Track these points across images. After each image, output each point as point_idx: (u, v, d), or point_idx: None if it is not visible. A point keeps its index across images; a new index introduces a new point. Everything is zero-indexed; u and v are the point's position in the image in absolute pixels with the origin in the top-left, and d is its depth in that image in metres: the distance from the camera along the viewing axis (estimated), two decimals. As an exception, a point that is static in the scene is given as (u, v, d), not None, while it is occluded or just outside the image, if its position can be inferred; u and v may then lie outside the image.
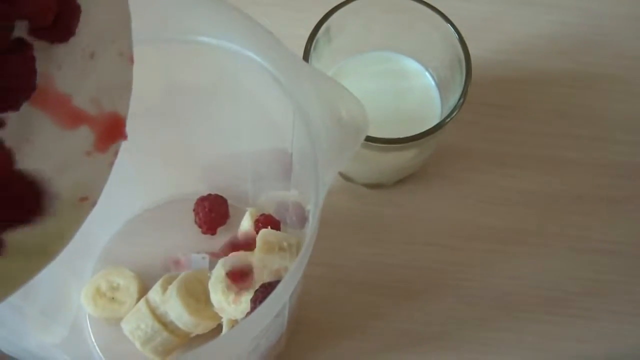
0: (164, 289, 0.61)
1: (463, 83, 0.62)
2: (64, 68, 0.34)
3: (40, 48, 0.32)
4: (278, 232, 0.60)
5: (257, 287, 0.56)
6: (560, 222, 0.72)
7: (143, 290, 0.63)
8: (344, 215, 0.71)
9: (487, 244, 0.71)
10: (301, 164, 0.50)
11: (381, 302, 0.69)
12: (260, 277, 0.56)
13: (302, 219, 0.55)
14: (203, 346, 0.39)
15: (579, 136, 0.75)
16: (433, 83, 0.69)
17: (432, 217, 0.72)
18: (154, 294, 0.61)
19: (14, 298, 0.32)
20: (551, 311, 0.68)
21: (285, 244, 0.58)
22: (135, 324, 0.60)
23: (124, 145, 0.36)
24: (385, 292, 0.69)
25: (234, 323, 0.59)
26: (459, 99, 0.61)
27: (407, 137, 0.60)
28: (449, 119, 0.61)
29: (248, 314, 0.56)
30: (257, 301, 0.54)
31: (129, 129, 0.35)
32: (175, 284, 0.60)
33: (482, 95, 0.73)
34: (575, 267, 0.70)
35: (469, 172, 0.74)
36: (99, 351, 0.64)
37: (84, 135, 0.34)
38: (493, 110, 0.76)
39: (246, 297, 0.57)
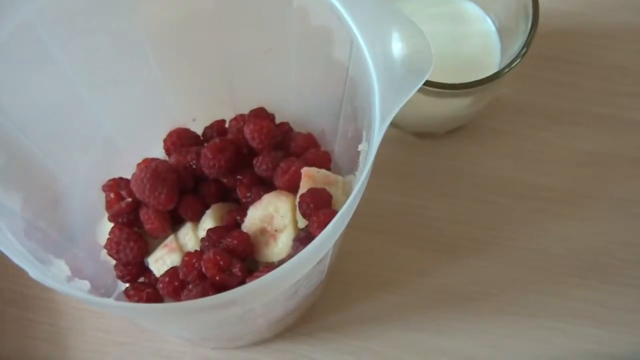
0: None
1: (528, 31, 0.59)
2: None
3: None
4: (321, 169, 0.58)
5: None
6: (616, 184, 0.70)
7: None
8: (389, 164, 0.69)
9: (536, 203, 0.69)
10: (354, 95, 0.49)
11: (421, 256, 0.67)
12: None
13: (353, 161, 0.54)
14: (242, 286, 0.39)
15: (640, 95, 0.73)
16: (494, 29, 0.67)
17: (482, 172, 0.70)
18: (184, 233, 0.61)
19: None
20: (601, 278, 0.66)
21: (332, 178, 0.56)
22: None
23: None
24: (427, 246, 0.67)
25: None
26: (522, 48, 0.59)
27: (463, 84, 0.58)
28: (508, 69, 0.59)
29: (290, 255, 0.55)
30: (300, 241, 0.53)
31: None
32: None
33: (542, 46, 0.71)
34: (630, 234, 0.68)
35: (522, 128, 0.72)
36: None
37: None
38: (552, 64, 0.74)
39: (283, 239, 0.56)
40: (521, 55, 0.59)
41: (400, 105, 0.39)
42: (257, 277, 0.52)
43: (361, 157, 0.48)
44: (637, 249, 0.67)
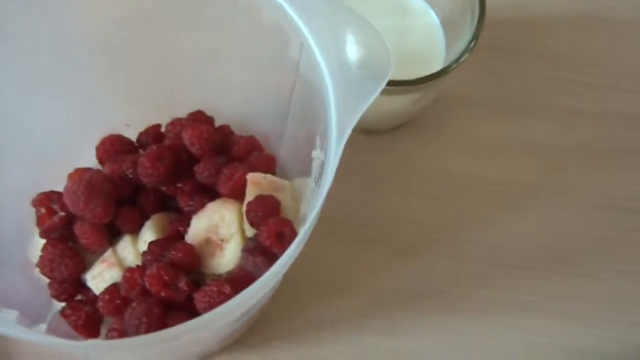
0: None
1: (475, 24, 0.58)
2: None
3: None
4: (267, 175, 0.56)
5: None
6: (565, 175, 0.69)
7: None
8: (335, 163, 0.67)
9: (486, 196, 0.69)
10: (306, 96, 0.46)
11: (373, 257, 0.66)
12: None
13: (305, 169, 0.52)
14: (201, 317, 0.37)
15: (588, 85, 0.73)
16: (438, 22, 0.65)
17: (430, 167, 0.69)
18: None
19: None
20: (555, 269, 0.66)
21: (279, 184, 0.54)
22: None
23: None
24: (377, 246, 0.66)
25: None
26: (470, 42, 0.58)
27: (412, 80, 0.57)
28: (456, 64, 0.58)
29: (239, 266, 0.52)
30: (250, 252, 0.51)
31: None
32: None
33: (487, 37, 0.69)
34: (580, 224, 0.68)
35: (469, 120, 0.71)
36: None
37: None
38: (498, 54, 0.73)
39: (230, 248, 0.54)
40: (469, 49, 0.58)
41: (360, 114, 0.37)
42: (206, 291, 0.50)
43: (314, 164, 0.46)
44: (587, 240, 0.67)
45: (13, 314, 0.49)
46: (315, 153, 0.46)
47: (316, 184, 0.45)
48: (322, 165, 0.41)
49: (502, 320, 0.64)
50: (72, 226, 0.57)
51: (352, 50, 0.38)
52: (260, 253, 0.51)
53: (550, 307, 0.64)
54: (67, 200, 0.55)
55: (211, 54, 0.54)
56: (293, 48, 0.44)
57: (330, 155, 0.37)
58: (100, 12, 0.54)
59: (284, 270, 0.38)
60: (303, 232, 0.37)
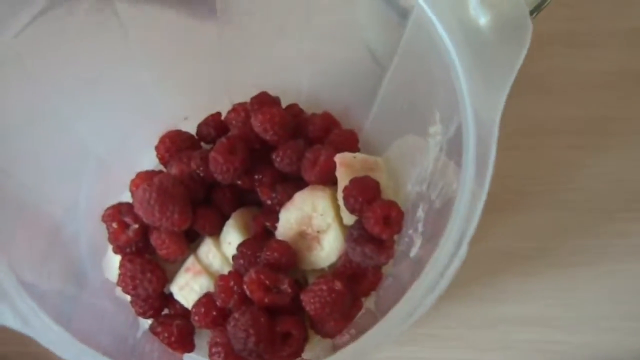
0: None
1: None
2: None
3: None
4: (357, 153, 0.51)
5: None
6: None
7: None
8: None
9: (567, 138, 0.64)
10: (413, 70, 0.42)
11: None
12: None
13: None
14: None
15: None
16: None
17: (504, 118, 0.64)
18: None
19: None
20: (658, 207, 0.61)
21: (371, 161, 0.50)
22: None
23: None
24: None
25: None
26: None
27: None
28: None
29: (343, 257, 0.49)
30: (356, 241, 0.47)
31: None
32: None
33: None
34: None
35: (536, 58, 0.65)
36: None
37: None
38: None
39: (329, 240, 0.50)
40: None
41: (508, 87, 0.32)
42: (314, 291, 0.47)
43: (432, 140, 0.42)
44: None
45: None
46: (434, 128, 0.41)
47: (435, 165, 0.41)
48: (450, 142, 0.36)
49: (614, 269, 0.60)
50: (147, 237, 0.53)
51: (477, 14, 0.33)
52: (368, 241, 0.47)
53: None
54: (139, 211, 0.50)
55: (280, 32, 0.49)
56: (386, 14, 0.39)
57: (470, 134, 0.33)
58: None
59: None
60: (469, 228, 0.32)
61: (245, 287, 0.48)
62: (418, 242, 0.42)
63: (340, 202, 0.48)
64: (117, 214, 0.53)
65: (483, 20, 0.33)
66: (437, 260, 0.33)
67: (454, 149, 0.35)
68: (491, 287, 0.60)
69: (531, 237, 0.61)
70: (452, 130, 0.37)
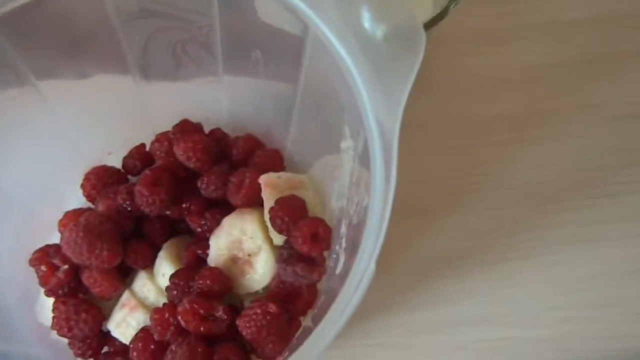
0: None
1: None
2: None
3: None
4: (281, 173, 0.51)
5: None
6: (575, 92, 0.65)
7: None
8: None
9: (499, 135, 0.65)
10: (317, 87, 0.42)
11: (397, 229, 0.61)
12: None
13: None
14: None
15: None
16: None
17: (435, 118, 0.65)
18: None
19: None
20: (589, 194, 0.62)
21: (296, 180, 0.50)
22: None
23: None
24: (404, 215, 0.61)
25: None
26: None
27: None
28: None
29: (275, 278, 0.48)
30: (286, 262, 0.47)
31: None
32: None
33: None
34: (604, 139, 0.64)
35: (460, 58, 0.66)
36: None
37: None
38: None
39: (261, 262, 0.49)
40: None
41: (406, 95, 0.33)
42: (249, 315, 0.46)
43: (346, 156, 0.42)
44: (619, 153, 0.63)
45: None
46: (346, 144, 0.41)
47: (351, 180, 0.41)
48: (360, 156, 0.37)
49: (550, 260, 0.61)
50: (79, 277, 0.52)
51: (372, 27, 0.33)
52: (299, 261, 0.47)
53: (600, 234, 0.61)
54: (67, 251, 0.50)
55: (181, 56, 0.49)
56: (292, 31, 0.39)
57: (375, 145, 0.33)
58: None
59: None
60: (377, 244, 0.32)
61: (179, 317, 0.48)
62: (342, 258, 0.42)
63: (268, 223, 0.48)
64: (45, 256, 0.52)
65: (378, 33, 0.33)
66: (354, 274, 0.33)
67: (364, 162, 0.36)
68: (431, 292, 0.60)
69: (465, 237, 0.61)
70: (360, 145, 0.37)
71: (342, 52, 0.34)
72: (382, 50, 0.33)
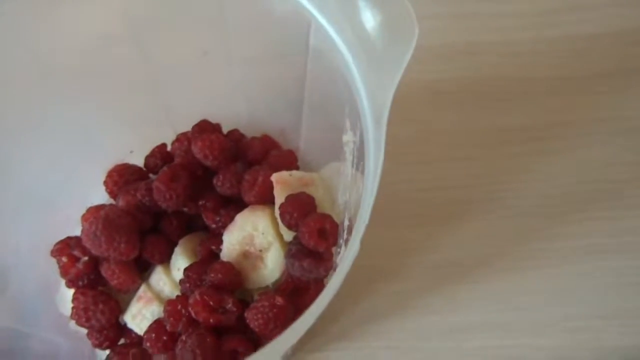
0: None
1: None
2: None
3: None
4: (292, 171, 0.53)
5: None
6: (590, 105, 0.66)
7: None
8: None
9: (514, 146, 0.66)
10: (321, 85, 0.44)
11: (414, 235, 0.63)
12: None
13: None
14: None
15: (591, 6, 0.69)
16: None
17: (450, 129, 0.66)
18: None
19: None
20: (602, 206, 0.63)
21: (307, 178, 0.52)
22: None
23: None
24: (417, 223, 0.63)
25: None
26: None
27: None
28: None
29: (285, 274, 0.50)
30: (294, 256, 0.48)
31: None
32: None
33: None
34: (618, 152, 0.65)
35: (478, 69, 0.68)
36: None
37: None
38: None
39: (271, 258, 0.51)
40: None
41: (396, 84, 0.34)
42: (257, 308, 0.48)
43: (348, 149, 0.44)
44: (634, 166, 0.64)
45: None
46: (347, 137, 0.43)
47: (356, 169, 0.42)
48: (359, 149, 0.38)
49: (564, 271, 0.61)
50: (97, 269, 0.54)
51: (368, 18, 0.35)
52: (306, 255, 0.48)
53: (615, 246, 0.62)
54: (87, 243, 0.52)
55: (203, 57, 0.51)
56: (298, 32, 0.41)
57: (370, 135, 0.35)
58: (73, 42, 0.51)
59: (349, 265, 0.35)
60: (361, 223, 0.34)
61: (190, 309, 0.49)
62: (343, 250, 0.43)
63: (279, 219, 0.50)
64: (66, 247, 0.55)
65: (373, 23, 0.35)
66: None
67: (361, 154, 0.37)
68: (442, 297, 0.61)
69: (477, 245, 0.62)
70: (359, 135, 0.38)
71: (340, 42, 0.36)
72: (377, 40, 0.35)
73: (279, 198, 0.50)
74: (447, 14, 0.71)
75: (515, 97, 0.67)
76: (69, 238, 0.55)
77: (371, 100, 0.35)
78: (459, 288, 0.61)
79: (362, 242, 0.36)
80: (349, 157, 0.44)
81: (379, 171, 0.34)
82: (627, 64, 0.67)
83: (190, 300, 0.49)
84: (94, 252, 0.52)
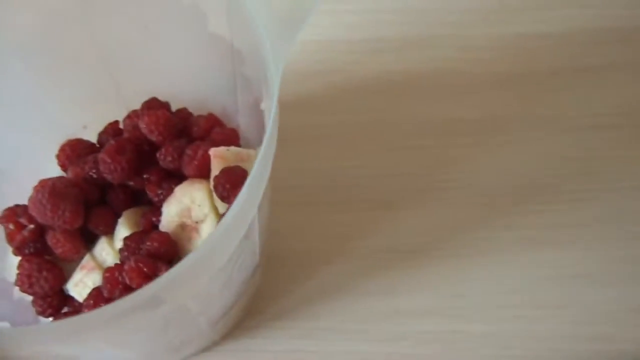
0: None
1: None
2: None
3: None
4: (231, 147, 0.55)
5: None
6: (538, 102, 0.69)
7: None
8: (300, 130, 0.67)
9: (462, 138, 0.68)
10: (244, 61, 0.46)
11: (358, 219, 0.65)
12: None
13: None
14: (163, 276, 0.35)
15: (545, 6, 0.72)
16: None
17: (400, 119, 0.68)
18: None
19: None
20: (545, 200, 0.65)
21: (244, 154, 0.53)
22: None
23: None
24: (362, 207, 0.65)
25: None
26: None
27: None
28: None
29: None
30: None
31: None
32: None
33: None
34: (562, 148, 0.67)
35: (428, 63, 0.70)
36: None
37: None
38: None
39: (206, 229, 0.53)
40: None
41: (295, 36, 0.36)
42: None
43: (266, 117, 0.45)
44: (577, 162, 0.66)
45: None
46: (264, 104, 0.45)
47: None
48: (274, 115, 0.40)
49: (503, 260, 0.63)
50: (44, 238, 0.56)
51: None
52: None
53: (553, 238, 0.64)
54: (33, 211, 0.54)
55: (146, 36, 0.54)
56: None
57: (273, 85, 0.37)
58: (19, 20, 0.53)
59: (249, 209, 0.37)
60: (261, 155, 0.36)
61: (125, 275, 0.51)
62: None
63: (213, 191, 0.52)
64: (13, 215, 0.56)
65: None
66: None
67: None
68: (383, 281, 0.63)
69: (425, 231, 0.64)
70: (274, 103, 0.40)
71: (256, 19, 0.38)
72: (285, 12, 0.37)
73: (215, 171, 0.52)
74: (405, 8, 0.74)
75: (467, 90, 0.69)
76: (16, 206, 0.57)
77: (275, 54, 0.37)
78: (401, 273, 0.63)
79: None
80: (267, 126, 0.46)
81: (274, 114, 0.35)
82: (574, 64, 0.69)
83: (126, 267, 0.51)
84: (39, 220, 0.54)
